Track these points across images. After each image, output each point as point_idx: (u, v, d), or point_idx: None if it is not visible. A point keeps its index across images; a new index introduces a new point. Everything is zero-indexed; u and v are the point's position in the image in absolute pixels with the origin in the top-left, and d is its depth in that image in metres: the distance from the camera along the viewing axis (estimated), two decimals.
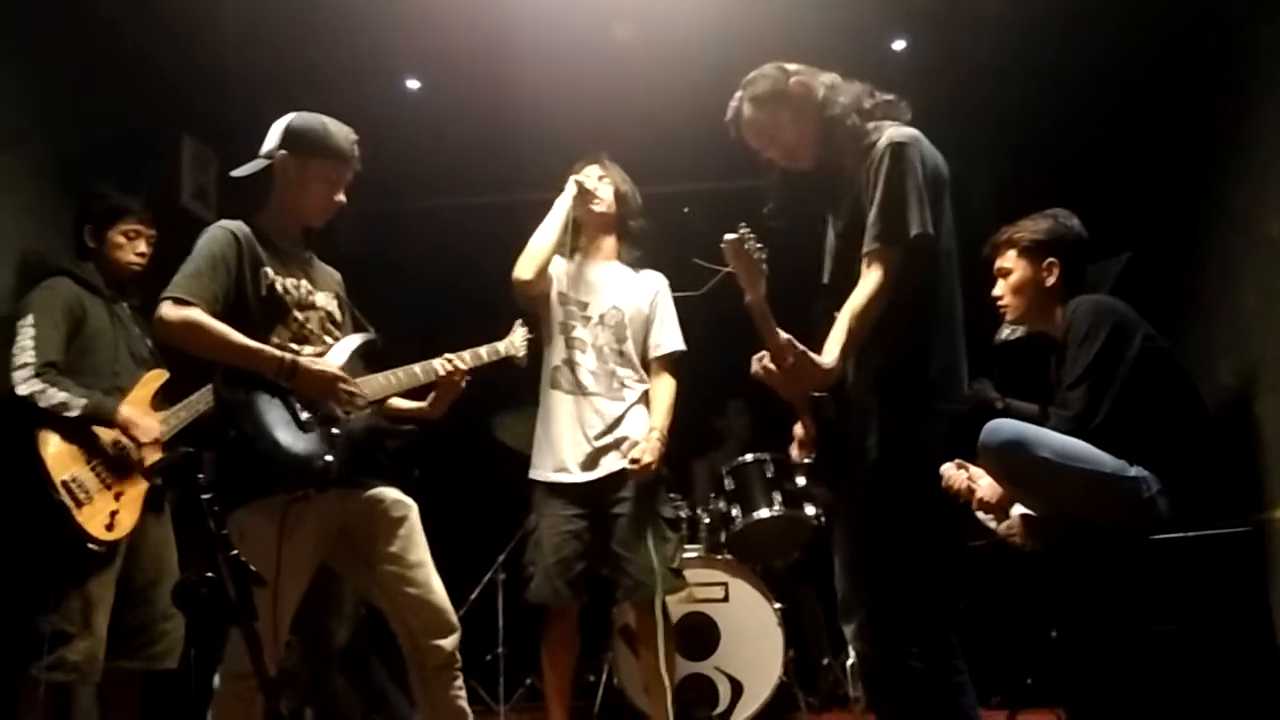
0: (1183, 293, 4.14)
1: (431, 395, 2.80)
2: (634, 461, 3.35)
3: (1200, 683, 2.49)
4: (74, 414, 2.96)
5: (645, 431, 3.44)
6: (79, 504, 2.92)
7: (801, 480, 4.18)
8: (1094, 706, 2.71)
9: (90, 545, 2.93)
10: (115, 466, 3.04)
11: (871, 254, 2.30)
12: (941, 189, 2.39)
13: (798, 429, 2.52)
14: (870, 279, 2.29)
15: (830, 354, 2.25)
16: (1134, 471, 2.65)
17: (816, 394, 2.41)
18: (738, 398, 5.34)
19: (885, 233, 2.29)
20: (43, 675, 2.86)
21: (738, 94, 2.53)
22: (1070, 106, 4.65)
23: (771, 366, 2.27)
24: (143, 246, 3.31)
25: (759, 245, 2.30)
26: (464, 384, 2.79)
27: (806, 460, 2.49)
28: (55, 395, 2.96)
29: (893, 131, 2.38)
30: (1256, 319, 3.68)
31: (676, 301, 3.61)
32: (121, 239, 3.28)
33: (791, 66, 2.51)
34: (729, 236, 2.27)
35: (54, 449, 2.95)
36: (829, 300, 2.40)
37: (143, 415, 3.11)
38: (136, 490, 3.07)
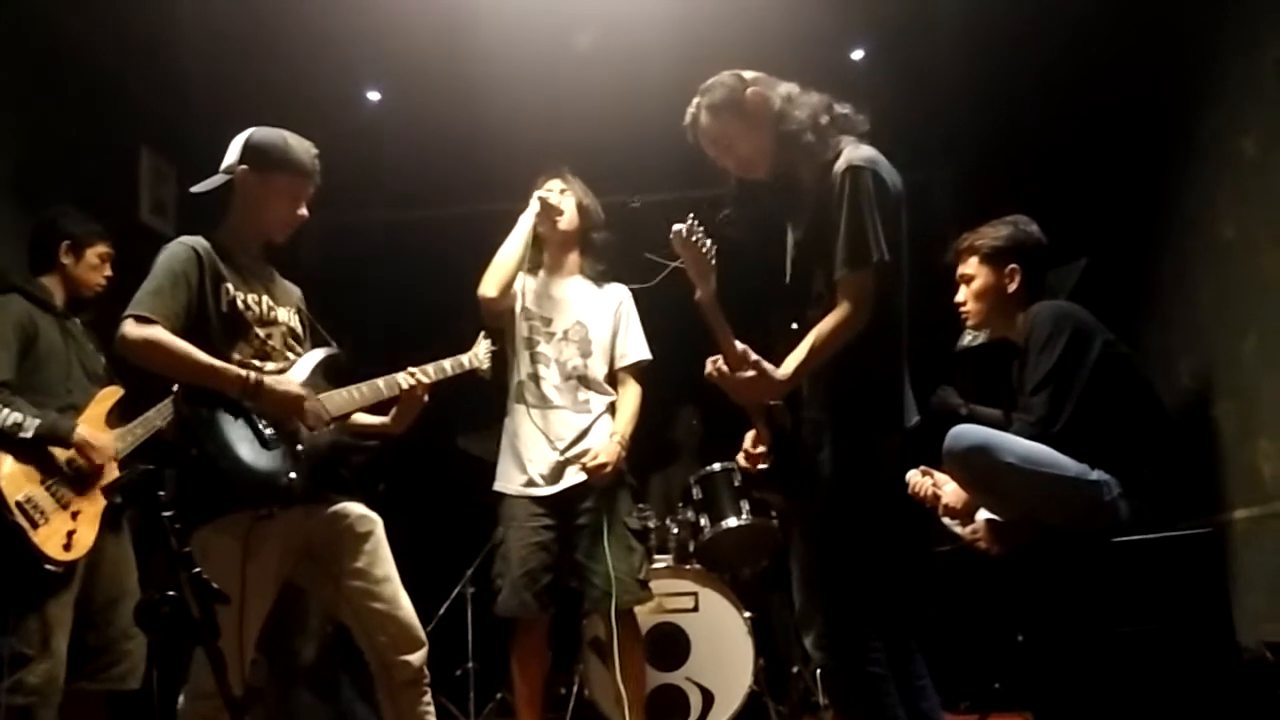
0: (1140, 297, 4.19)
1: (393, 411, 2.76)
2: (591, 464, 3.36)
3: (1164, 683, 2.52)
4: (28, 435, 2.92)
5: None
6: (35, 525, 2.88)
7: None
8: (1061, 709, 2.73)
9: (48, 566, 2.89)
10: (71, 485, 2.99)
11: (840, 282, 2.31)
12: (899, 210, 2.38)
13: (749, 438, 2.54)
14: (840, 307, 2.29)
15: (787, 368, 2.27)
16: (1095, 475, 2.67)
17: (772, 401, 2.42)
18: (688, 406, 5.32)
19: (849, 259, 2.29)
20: (1, 699, 2.81)
21: (695, 100, 2.52)
22: (1027, 114, 4.71)
23: (725, 369, 2.28)
24: (109, 270, 3.32)
25: (708, 239, 2.31)
26: (425, 399, 2.76)
27: (761, 467, 2.50)
28: (9, 416, 2.91)
29: (850, 153, 2.36)
30: (1212, 322, 3.74)
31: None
32: (96, 260, 3.29)
33: (750, 75, 2.49)
34: (678, 226, 2.30)
35: (7, 470, 2.90)
36: (788, 308, 2.41)
37: (98, 433, 3.07)
38: (93, 509, 3.02)
